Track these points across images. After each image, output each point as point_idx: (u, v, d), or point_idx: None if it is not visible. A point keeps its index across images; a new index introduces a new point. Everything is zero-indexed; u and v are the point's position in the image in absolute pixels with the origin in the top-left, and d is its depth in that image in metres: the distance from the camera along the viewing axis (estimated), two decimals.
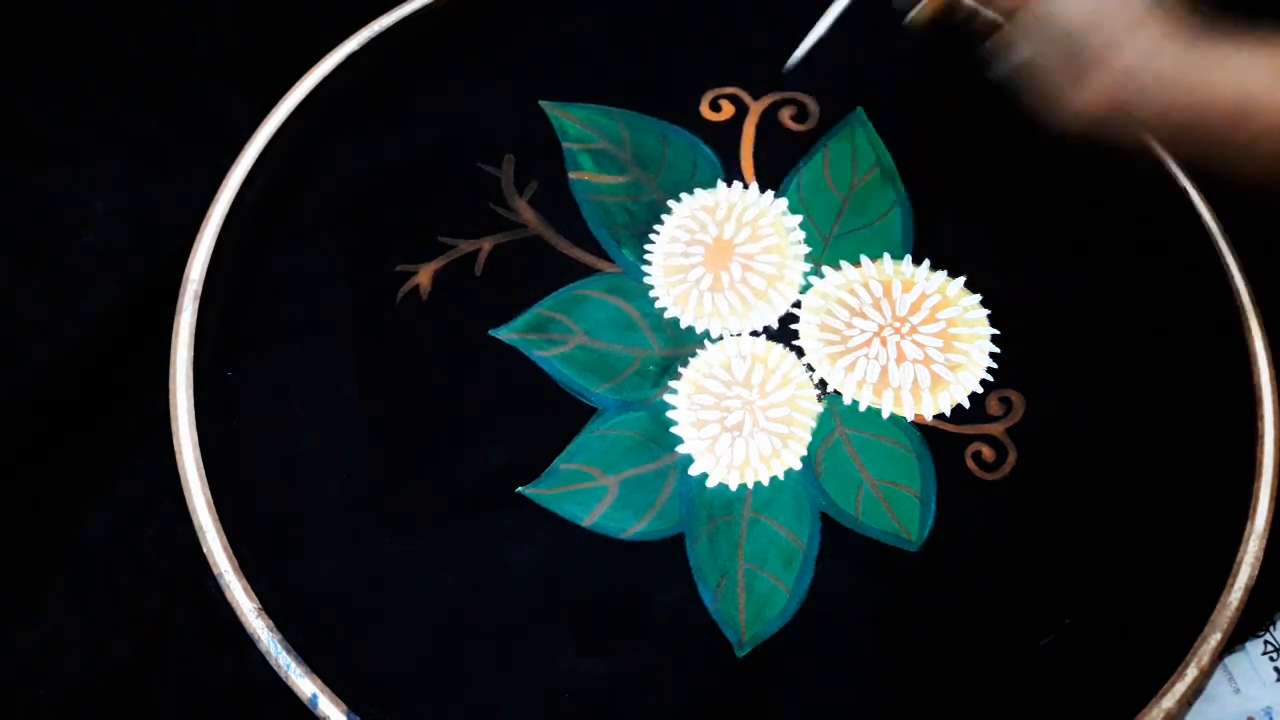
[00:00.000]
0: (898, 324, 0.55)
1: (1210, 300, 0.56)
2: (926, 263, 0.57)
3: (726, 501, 0.50)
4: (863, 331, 0.55)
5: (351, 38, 0.61)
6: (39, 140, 0.59)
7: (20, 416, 0.52)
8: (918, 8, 0.51)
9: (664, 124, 0.60)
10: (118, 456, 0.52)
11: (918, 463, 0.51)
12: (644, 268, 0.56)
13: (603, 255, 0.56)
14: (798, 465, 0.51)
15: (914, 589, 0.49)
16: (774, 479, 0.51)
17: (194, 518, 0.48)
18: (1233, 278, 0.56)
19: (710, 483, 0.51)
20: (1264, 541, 0.50)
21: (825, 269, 0.57)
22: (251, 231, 0.55)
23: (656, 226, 0.57)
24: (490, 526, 0.49)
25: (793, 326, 0.55)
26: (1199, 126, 0.46)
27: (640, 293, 0.55)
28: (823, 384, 0.53)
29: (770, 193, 0.58)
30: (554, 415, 0.52)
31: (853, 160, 0.59)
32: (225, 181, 0.56)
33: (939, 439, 0.52)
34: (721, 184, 0.58)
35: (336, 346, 0.53)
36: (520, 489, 0.50)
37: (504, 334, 0.53)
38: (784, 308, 0.55)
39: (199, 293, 0.53)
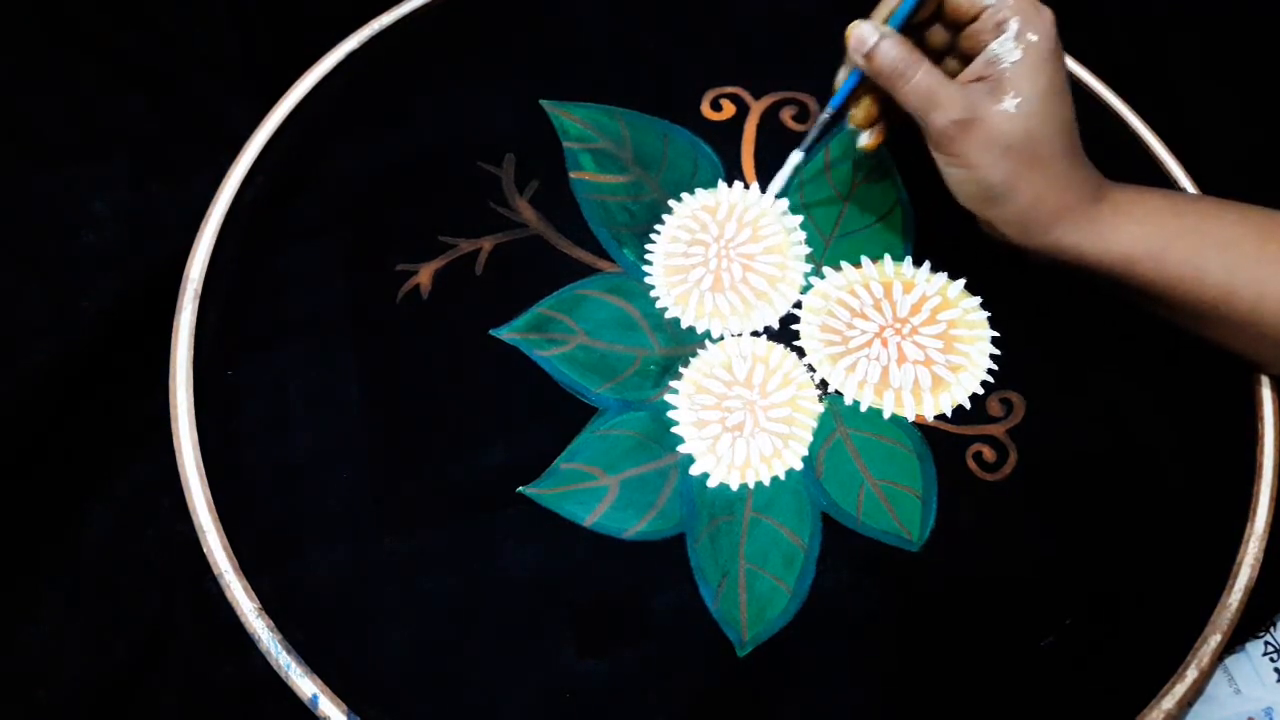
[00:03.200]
0: (898, 325, 0.55)
1: None
2: (927, 264, 0.57)
3: (727, 501, 0.50)
4: (863, 332, 0.55)
5: (351, 37, 0.61)
6: (39, 140, 0.59)
7: (20, 416, 0.52)
8: (864, 137, 0.54)
9: (665, 123, 0.60)
10: (118, 456, 0.52)
11: (919, 463, 0.51)
12: (645, 268, 0.56)
13: (603, 255, 0.56)
14: (799, 465, 0.51)
15: (915, 589, 0.49)
16: (775, 479, 0.51)
17: (194, 518, 0.48)
18: None
19: (711, 483, 0.51)
20: (1264, 542, 0.51)
21: (826, 269, 0.57)
22: (251, 231, 0.55)
23: (657, 226, 0.57)
24: (490, 526, 0.49)
25: (794, 327, 0.55)
26: (1095, 275, 0.52)
27: (641, 293, 0.55)
28: (824, 384, 0.53)
29: (779, 177, 0.58)
30: (554, 415, 0.52)
31: (853, 160, 0.59)
32: (225, 181, 0.56)
33: (940, 439, 0.52)
34: (722, 184, 0.58)
35: (336, 346, 0.53)
36: (521, 489, 0.50)
37: (504, 334, 0.53)
38: (785, 308, 0.55)
39: (199, 293, 0.53)
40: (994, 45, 0.48)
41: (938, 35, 0.52)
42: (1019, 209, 0.50)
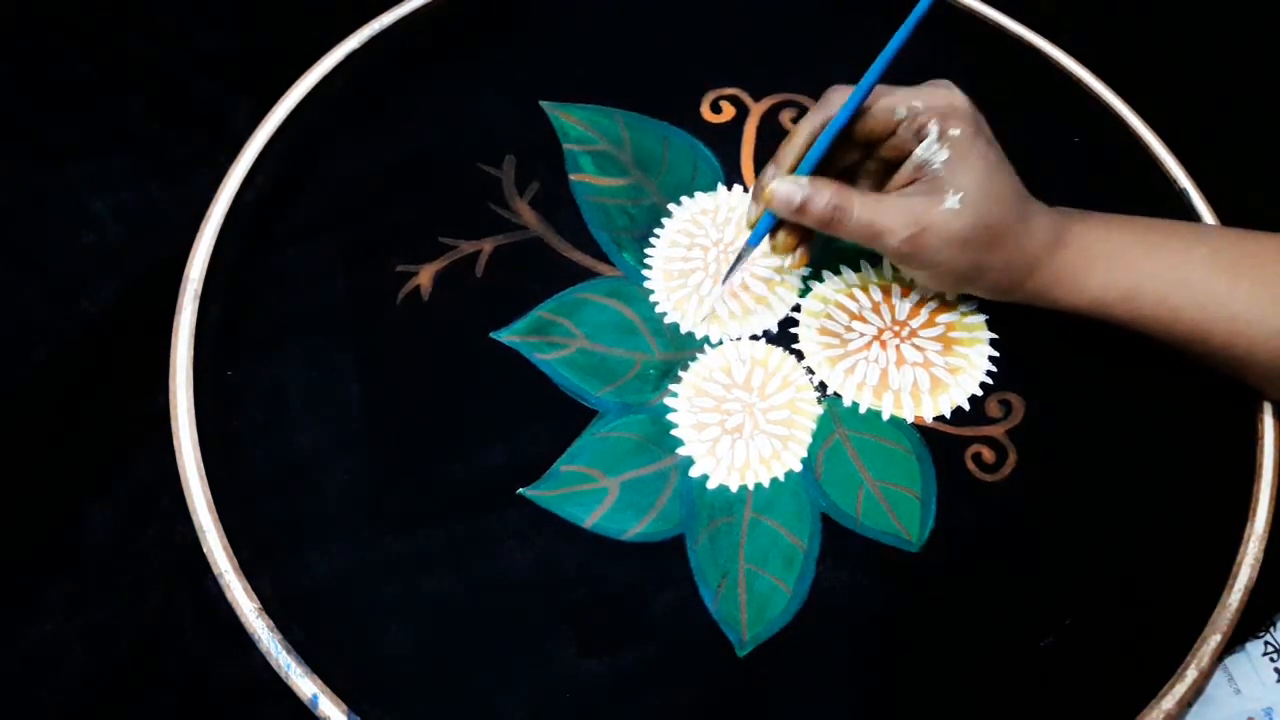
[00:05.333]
0: (897, 328, 0.55)
1: None
2: None
3: (727, 503, 0.50)
4: (862, 335, 0.55)
5: (351, 37, 0.61)
6: (39, 140, 0.59)
7: (20, 416, 0.52)
8: (788, 261, 0.52)
9: (665, 125, 0.60)
10: (118, 456, 0.52)
11: (918, 464, 0.51)
12: (644, 271, 0.56)
13: (603, 258, 0.56)
14: (798, 467, 0.51)
15: (914, 589, 0.49)
16: (774, 480, 0.51)
17: (194, 518, 0.48)
18: None
19: (711, 484, 0.51)
20: (1264, 542, 0.51)
21: (824, 273, 0.57)
22: (251, 231, 0.55)
23: (657, 230, 0.57)
24: (491, 527, 0.49)
25: (792, 330, 0.55)
26: (1074, 315, 0.52)
27: (641, 296, 0.55)
28: (822, 386, 0.53)
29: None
30: (554, 417, 0.52)
31: None
32: (225, 181, 0.56)
33: (939, 441, 0.52)
34: (722, 187, 0.59)
35: (336, 346, 0.53)
36: (521, 490, 0.50)
37: (504, 337, 0.53)
38: (783, 312, 0.55)
39: (199, 292, 0.53)
40: (919, 151, 0.48)
41: (852, 153, 0.52)
42: (991, 281, 0.50)
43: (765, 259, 0.57)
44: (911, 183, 0.49)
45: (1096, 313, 0.51)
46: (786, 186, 0.49)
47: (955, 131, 0.48)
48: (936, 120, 0.48)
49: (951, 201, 0.47)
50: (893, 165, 0.50)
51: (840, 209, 0.48)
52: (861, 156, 0.52)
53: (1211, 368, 0.52)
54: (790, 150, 0.50)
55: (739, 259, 0.52)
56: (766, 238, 0.52)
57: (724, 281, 0.54)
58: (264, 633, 0.46)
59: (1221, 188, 0.60)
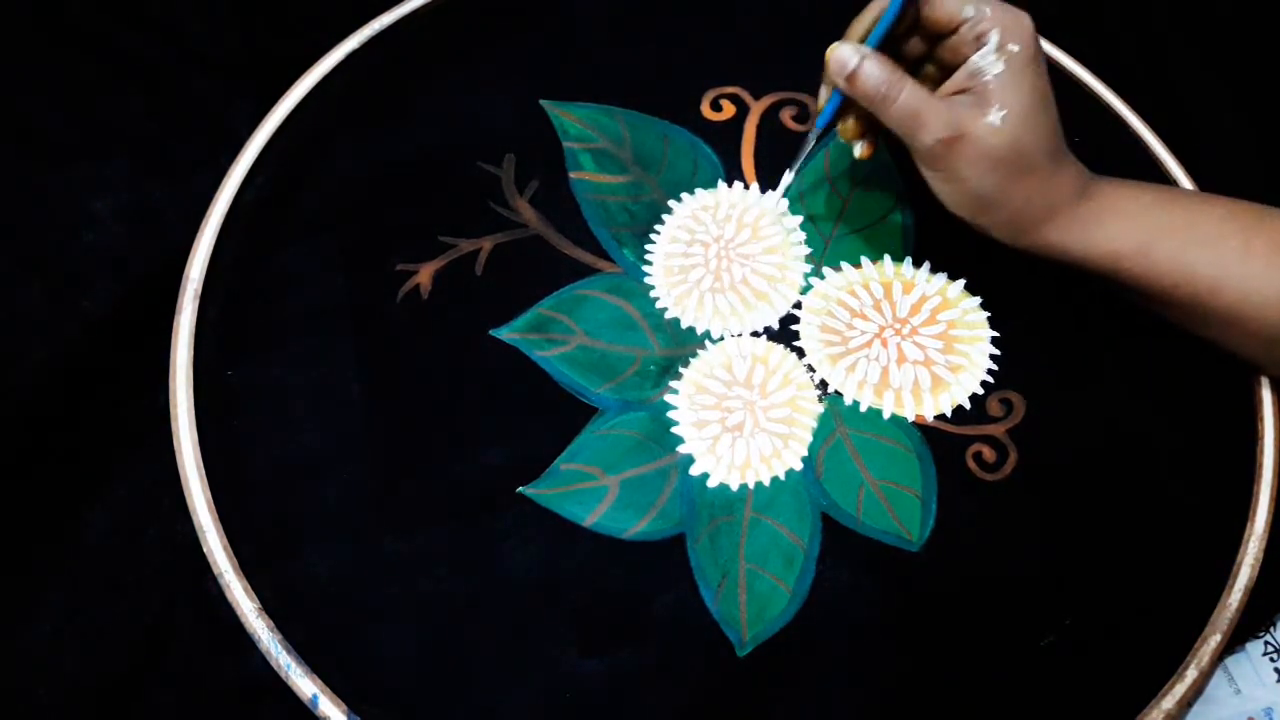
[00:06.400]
0: (898, 325, 0.55)
1: None
2: (927, 264, 0.57)
3: (727, 501, 0.50)
4: (863, 332, 0.55)
5: (351, 37, 0.61)
6: (39, 140, 0.59)
7: (20, 416, 0.52)
8: (857, 148, 0.53)
9: (665, 123, 0.60)
10: (118, 456, 0.52)
11: (919, 463, 0.51)
12: (644, 268, 0.56)
13: (603, 255, 0.56)
14: (799, 465, 0.51)
15: (915, 589, 0.49)
16: (775, 479, 0.51)
17: (194, 518, 0.48)
18: None
19: (711, 483, 0.51)
20: (1264, 542, 0.51)
21: (826, 270, 0.57)
22: (251, 231, 0.55)
23: (657, 226, 0.57)
24: (490, 526, 0.49)
25: (793, 327, 0.55)
26: (1084, 271, 0.52)
27: (641, 293, 0.55)
28: (823, 384, 0.53)
29: (771, 193, 0.58)
30: (554, 415, 0.52)
31: (852, 160, 0.59)
32: (225, 181, 0.56)
33: (940, 440, 0.52)
34: (722, 184, 0.58)
35: (336, 346, 0.53)
36: (521, 489, 0.50)
37: (504, 334, 0.53)
38: (785, 308, 0.55)
39: (199, 292, 0.53)
40: (975, 58, 0.48)
41: (915, 45, 0.52)
42: (1009, 214, 0.50)
43: (767, 255, 0.57)
44: (962, 92, 0.48)
45: (1109, 268, 0.51)
46: (846, 50, 0.49)
47: (1014, 47, 0.47)
48: (998, 31, 0.48)
49: (994, 117, 0.47)
50: (948, 73, 0.50)
51: (890, 86, 0.48)
52: (924, 54, 0.52)
53: (1214, 338, 0.52)
54: (860, 23, 0.51)
55: (808, 144, 0.53)
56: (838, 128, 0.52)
57: (794, 171, 0.54)
58: (264, 633, 0.46)
59: (1221, 188, 0.60)
